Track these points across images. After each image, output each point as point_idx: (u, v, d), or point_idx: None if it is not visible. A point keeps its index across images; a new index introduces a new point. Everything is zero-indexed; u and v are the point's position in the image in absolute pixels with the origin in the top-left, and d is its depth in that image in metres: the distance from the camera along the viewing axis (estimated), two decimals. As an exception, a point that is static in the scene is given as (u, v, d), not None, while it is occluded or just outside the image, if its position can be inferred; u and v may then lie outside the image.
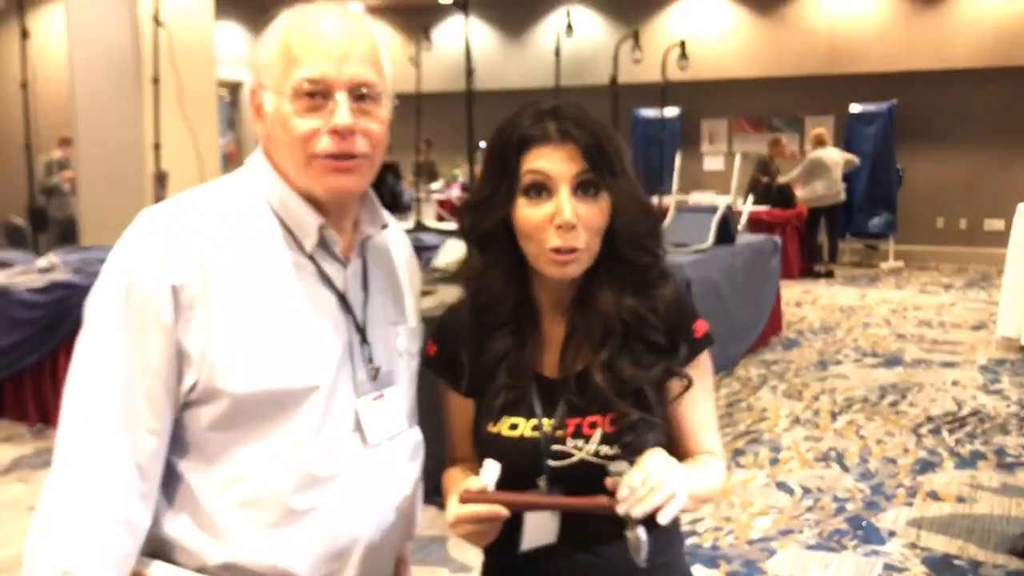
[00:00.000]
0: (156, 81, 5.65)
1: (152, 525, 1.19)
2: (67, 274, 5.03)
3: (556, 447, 1.27)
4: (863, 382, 5.82)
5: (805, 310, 8.37)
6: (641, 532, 1.12)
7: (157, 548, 1.20)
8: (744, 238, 6.97)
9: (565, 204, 1.23)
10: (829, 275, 10.35)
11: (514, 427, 1.29)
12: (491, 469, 1.21)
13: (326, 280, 1.26)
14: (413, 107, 8.84)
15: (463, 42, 7.02)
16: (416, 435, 1.37)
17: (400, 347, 1.35)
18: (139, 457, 1.16)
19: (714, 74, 11.80)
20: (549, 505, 1.25)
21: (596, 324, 1.28)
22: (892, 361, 6.38)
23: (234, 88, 11.85)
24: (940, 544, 3.48)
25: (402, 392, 1.34)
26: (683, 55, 8.46)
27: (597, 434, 1.26)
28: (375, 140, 1.23)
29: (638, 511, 1.11)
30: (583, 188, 1.25)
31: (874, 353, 6.63)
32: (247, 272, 1.20)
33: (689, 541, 3.49)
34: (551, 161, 1.24)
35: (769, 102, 12.09)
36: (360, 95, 1.21)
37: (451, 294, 1.37)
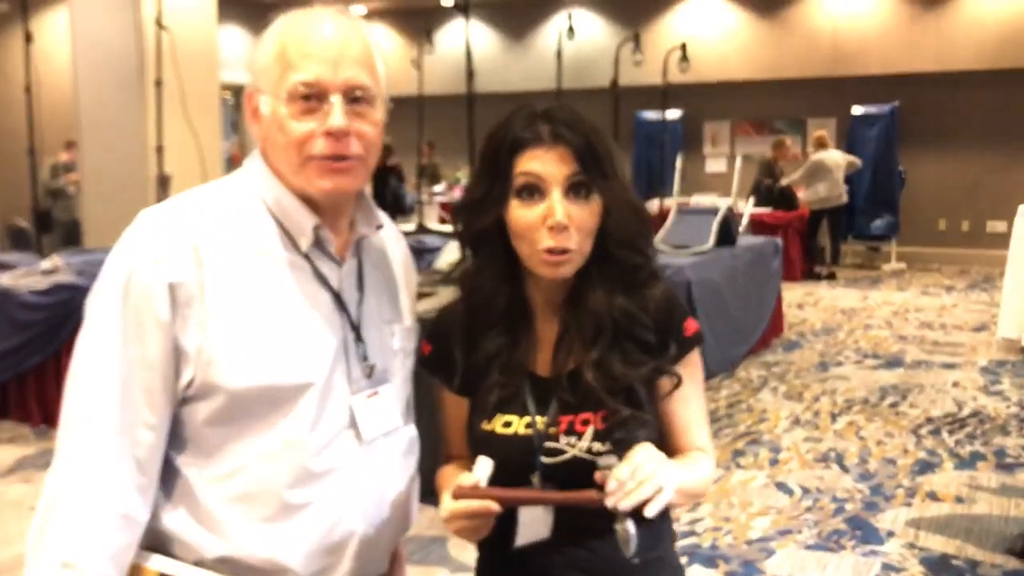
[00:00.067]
0: (159, 84, 5.66)
1: (151, 519, 1.21)
2: (70, 276, 5.05)
3: (549, 444, 1.29)
4: (864, 383, 5.83)
5: (807, 312, 8.38)
6: (630, 525, 1.14)
7: (155, 541, 1.23)
8: (745, 240, 6.98)
9: (557, 206, 1.25)
10: (831, 277, 10.33)
11: (508, 424, 1.31)
12: (483, 465, 1.23)
13: (321, 279, 1.28)
14: (415, 110, 8.88)
15: (465, 45, 7.04)
16: (411, 432, 1.39)
17: (395, 345, 1.37)
18: (137, 451, 1.19)
19: (716, 76, 11.81)
20: (539, 500, 1.27)
21: (588, 323, 1.30)
22: (893, 362, 6.39)
23: (237, 91, 11.85)
24: (938, 544, 3.49)
25: (397, 389, 1.36)
26: (684, 57, 8.48)
27: (590, 431, 1.28)
28: (369, 142, 1.25)
29: (626, 504, 1.13)
30: (575, 190, 1.27)
31: (875, 355, 6.64)
32: (243, 271, 1.22)
33: (688, 541, 3.51)
34: (543, 163, 1.26)
35: (771, 104, 12.09)
36: (354, 98, 1.23)
37: (452, 296, 1.40)
